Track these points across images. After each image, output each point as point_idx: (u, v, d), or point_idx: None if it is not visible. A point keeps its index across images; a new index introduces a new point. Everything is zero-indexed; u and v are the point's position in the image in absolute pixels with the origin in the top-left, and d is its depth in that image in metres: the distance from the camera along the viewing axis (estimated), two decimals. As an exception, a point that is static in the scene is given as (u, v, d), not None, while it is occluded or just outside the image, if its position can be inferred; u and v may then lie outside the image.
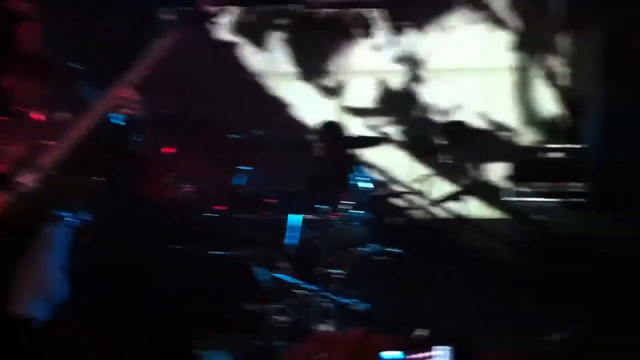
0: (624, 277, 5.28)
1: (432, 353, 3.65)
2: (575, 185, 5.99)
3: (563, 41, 6.80)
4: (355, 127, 6.91)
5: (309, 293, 5.06)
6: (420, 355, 3.68)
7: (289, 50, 7.30)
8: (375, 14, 7.08)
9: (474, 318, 5.35)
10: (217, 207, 5.44)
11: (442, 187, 6.65)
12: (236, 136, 5.97)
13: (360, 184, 5.46)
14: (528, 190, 6.18)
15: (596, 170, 5.97)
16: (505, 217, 6.45)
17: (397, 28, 7.01)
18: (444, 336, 3.89)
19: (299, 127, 7.06)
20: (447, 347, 3.63)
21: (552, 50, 6.81)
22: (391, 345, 3.75)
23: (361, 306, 5.03)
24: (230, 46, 7.26)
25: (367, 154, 6.62)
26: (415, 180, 6.62)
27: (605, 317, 4.91)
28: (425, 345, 3.67)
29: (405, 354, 3.68)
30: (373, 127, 7.14)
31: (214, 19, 6.57)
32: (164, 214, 5.26)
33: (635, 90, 5.78)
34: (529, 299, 5.58)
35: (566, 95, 6.76)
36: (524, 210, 6.14)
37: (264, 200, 5.50)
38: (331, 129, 6.05)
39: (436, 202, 6.40)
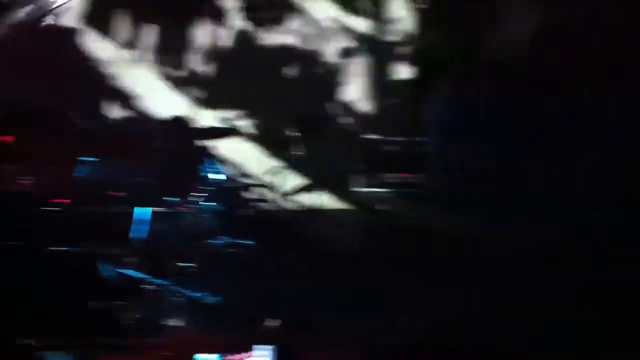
0: (464, 266, 5.53)
1: (252, 353, 3.63)
2: (420, 176, 6.19)
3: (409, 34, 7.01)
4: (206, 118, 6.79)
5: (158, 288, 4.93)
6: (238, 356, 3.67)
7: (137, 38, 7.06)
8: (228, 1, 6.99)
9: (322, 308, 5.45)
10: (59, 200, 5.18)
11: (293, 179, 6.68)
12: (81, 126, 5.71)
13: (211, 176, 5.39)
14: (375, 181, 6.34)
15: (435, 162, 6.19)
16: (353, 208, 6.58)
17: (252, 17, 6.96)
18: (269, 335, 3.92)
19: (147, 117, 6.84)
20: (270, 347, 3.62)
21: (398, 43, 7.01)
22: (213, 345, 3.73)
23: (212, 299, 4.97)
24: (74, 32, 6.92)
25: (219, 145, 6.53)
26: (266, 173, 6.60)
27: (447, 306, 5.14)
28: (248, 345, 3.65)
29: (222, 355, 3.65)
30: (224, 119, 7.06)
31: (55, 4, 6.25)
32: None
33: (475, 83, 6.02)
34: (376, 289, 5.75)
35: (409, 88, 6.99)
36: (372, 201, 6.30)
37: (111, 192, 5.30)
38: (180, 120, 5.93)
39: (287, 194, 6.42)
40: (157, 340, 4.59)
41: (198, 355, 3.76)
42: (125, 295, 4.83)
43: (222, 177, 5.55)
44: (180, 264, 5.10)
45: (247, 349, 3.90)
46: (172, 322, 4.88)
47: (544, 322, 4.87)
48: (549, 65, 5.14)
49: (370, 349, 4.92)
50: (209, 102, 7.08)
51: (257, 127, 6.95)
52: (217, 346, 4.25)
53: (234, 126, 6.93)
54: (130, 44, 7.06)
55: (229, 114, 7.07)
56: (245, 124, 7.05)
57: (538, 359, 4.72)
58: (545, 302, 5.04)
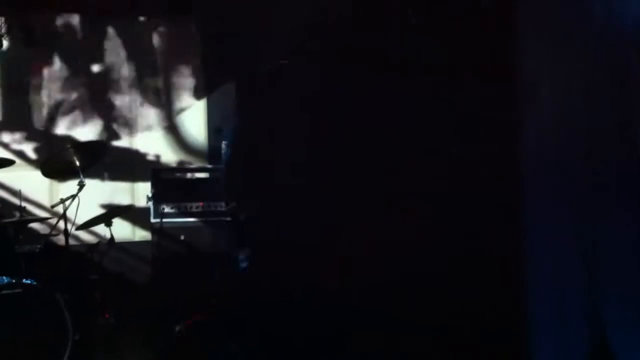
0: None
1: None
2: (218, 204, 6.02)
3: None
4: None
5: None
6: None
7: None
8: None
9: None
10: None
11: (85, 209, 6.25)
12: None
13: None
14: (172, 210, 6.08)
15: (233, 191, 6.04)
16: (149, 238, 6.28)
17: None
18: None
19: None
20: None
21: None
22: None
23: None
24: None
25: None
26: (55, 204, 6.12)
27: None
28: None
29: None
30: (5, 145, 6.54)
31: None
32: None
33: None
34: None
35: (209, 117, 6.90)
36: (168, 230, 6.02)
37: None
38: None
39: (79, 227, 5.99)
40: None
41: None
42: None
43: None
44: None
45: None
46: None
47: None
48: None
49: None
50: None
51: (40, 152, 6.49)
52: None
53: (17, 152, 6.44)
54: None
55: (10, 137, 6.57)
56: (28, 149, 6.58)
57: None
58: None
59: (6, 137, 6.58)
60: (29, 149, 6.63)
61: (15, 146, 6.57)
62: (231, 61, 6.37)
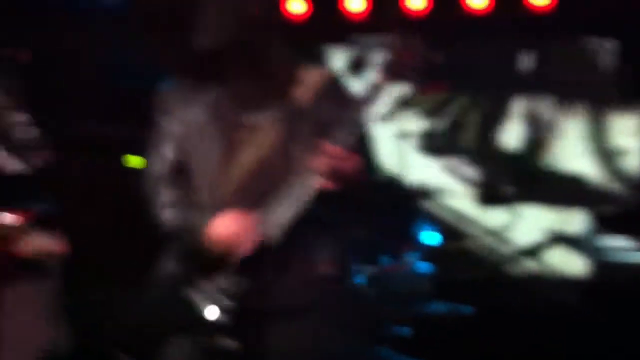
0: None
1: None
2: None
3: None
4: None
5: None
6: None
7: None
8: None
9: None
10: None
11: (519, 238, 6.06)
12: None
13: (425, 236, 5.07)
14: (617, 245, 5.47)
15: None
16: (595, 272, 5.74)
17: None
18: None
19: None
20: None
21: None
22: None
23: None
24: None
25: (432, 204, 6.17)
26: (487, 232, 6.06)
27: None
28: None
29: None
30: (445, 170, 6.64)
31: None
32: None
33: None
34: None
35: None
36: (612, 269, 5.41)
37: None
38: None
39: (512, 256, 5.85)
40: None
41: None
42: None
43: (437, 237, 5.18)
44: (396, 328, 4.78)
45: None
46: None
47: None
48: None
49: None
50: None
51: (476, 182, 6.46)
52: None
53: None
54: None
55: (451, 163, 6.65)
56: (464, 178, 6.62)
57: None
58: None
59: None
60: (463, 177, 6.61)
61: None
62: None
